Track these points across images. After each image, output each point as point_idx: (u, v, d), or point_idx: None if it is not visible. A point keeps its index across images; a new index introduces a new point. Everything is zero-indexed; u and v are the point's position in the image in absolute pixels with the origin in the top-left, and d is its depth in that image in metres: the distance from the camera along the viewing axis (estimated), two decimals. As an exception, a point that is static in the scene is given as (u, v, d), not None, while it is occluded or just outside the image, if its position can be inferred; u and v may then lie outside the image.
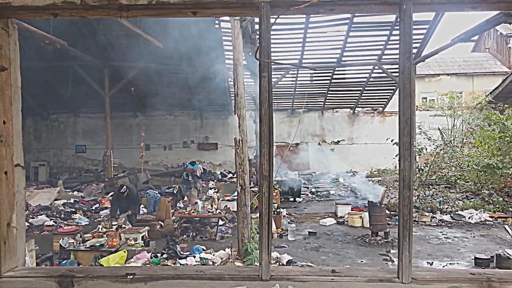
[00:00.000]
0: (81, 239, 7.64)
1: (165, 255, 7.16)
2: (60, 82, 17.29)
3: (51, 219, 11.15)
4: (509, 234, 8.91)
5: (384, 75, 16.09)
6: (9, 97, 2.05)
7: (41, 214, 11.58)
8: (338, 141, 21.03)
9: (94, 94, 17.02)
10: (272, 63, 1.94)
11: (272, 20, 1.90)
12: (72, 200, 13.70)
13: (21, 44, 2.29)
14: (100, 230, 8.58)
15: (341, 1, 1.89)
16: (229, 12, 2.01)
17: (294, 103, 20.17)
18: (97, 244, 7.45)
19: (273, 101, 2.47)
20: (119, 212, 9.56)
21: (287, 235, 9.19)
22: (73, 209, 12.53)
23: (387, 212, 10.13)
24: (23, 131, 2.59)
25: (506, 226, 9.62)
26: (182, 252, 7.26)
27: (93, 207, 13.05)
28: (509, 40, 23.18)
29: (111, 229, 8.53)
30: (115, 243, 7.41)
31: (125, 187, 9.65)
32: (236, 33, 7.28)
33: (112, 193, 10.88)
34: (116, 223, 9.01)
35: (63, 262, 6.95)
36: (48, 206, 12.73)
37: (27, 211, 10.66)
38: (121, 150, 19.82)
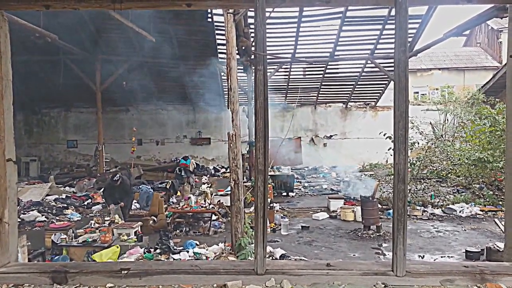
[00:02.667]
0: (73, 234, 7.58)
1: (158, 250, 7.13)
2: (51, 77, 17.11)
3: (42, 215, 11.07)
4: (499, 227, 9.01)
5: (377, 69, 16.13)
6: (0, 90, 2.01)
7: (32, 210, 11.49)
8: (331, 136, 21.11)
9: (85, 88, 16.89)
10: (267, 57, 1.92)
11: (267, 14, 1.89)
12: (63, 196, 13.59)
13: (11, 37, 2.25)
14: (92, 225, 8.53)
15: (337, -6, 1.88)
16: (224, 4, 1.99)
17: (287, 98, 20.18)
18: (90, 240, 7.40)
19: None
20: (112, 202, 9.50)
21: (280, 229, 9.22)
22: (65, 205, 12.46)
23: (379, 206, 10.18)
24: (13, 126, 2.55)
25: (496, 220, 9.73)
26: (175, 247, 7.24)
27: (85, 203, 12.97)
28: (500, 34, 23.34)
29: (103, 225, 8.48)
30: (107, 239, 7.37)
31: (118, 175, 9.58)
32: (230, 26, 7.22)
33: (103, 188, 10.79)
34: (108, 218, 8.96)
35: (56, 257, 6.90)
36: (40, 201, 12.61)
37: (18, 207, 10.53)
38: (113, 145, 19.75)
